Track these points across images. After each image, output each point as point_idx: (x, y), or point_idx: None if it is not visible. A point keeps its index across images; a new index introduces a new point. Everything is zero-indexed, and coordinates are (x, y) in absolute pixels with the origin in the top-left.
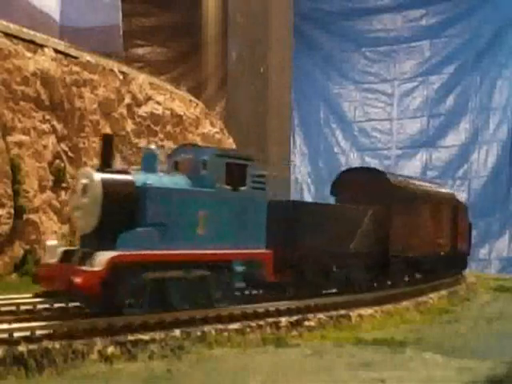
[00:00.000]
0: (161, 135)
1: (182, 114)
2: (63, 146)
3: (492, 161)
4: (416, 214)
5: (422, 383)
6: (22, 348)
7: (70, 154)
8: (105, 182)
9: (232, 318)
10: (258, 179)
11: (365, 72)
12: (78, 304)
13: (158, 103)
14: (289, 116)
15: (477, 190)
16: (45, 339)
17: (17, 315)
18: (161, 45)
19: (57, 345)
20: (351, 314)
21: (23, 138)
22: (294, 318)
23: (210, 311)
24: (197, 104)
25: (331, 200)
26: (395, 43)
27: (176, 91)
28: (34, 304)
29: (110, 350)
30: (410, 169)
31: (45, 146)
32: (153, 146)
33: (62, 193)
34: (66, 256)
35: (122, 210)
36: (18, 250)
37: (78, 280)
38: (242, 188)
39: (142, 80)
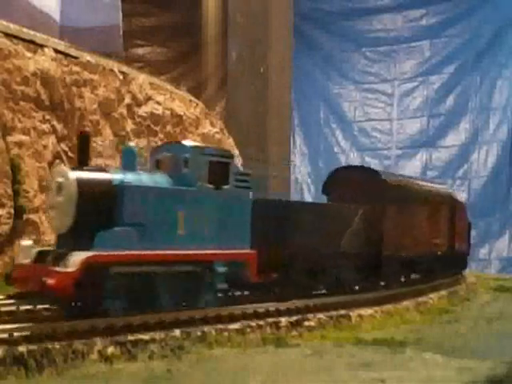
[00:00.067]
0: (161, 135)
1: (181, 113)
2: (63, 145)
3: (492, 161)
4: (410, 214)
5: (421, 383)
6: (21, 348)
7: (69, 154)
8: (80, 181)
9: (232, 318)
10: (241, 178)
11: (365, 72)
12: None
13: (158, 103)
14: (289, 116)
15: (477, 189)
16: (45, 339)
17: None
18: (161, 45)
19: (57, 345)
20: (351, 314)
21: (23, 137)
22: (294, 318)
23: (209, 311)
24: (197, 104)
25: (324, 199)
26: (395, 43)
27: (176, 91)
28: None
29: (110, 350)
30: (410, 169)
31: (45, 146)
32: (132, 144)
33: None
34: (41, 256)
35: (98, 210)
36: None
37: (50, 281)
38: (225, 187)
39: (142, 80)
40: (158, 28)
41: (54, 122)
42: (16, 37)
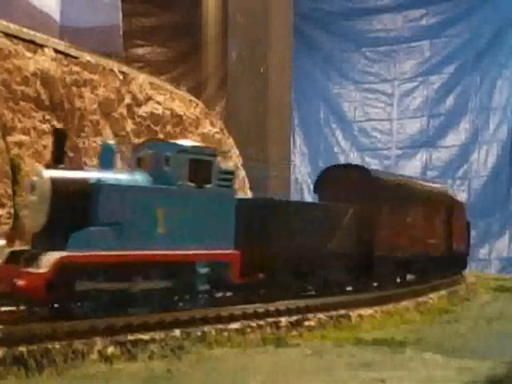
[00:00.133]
0: (161, 135)
1: (181, 113)
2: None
3: (492, 161)
4: (403, 213)
5: (421, 383)
6: (21, 348)
7: (69, 153)
8: (54, 180)
9: (232, 318)
10: (224, 176)
11: (365, 72)
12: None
13: (158, 103)
14: (289, 116)
15: (477, 189)
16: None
17: None
18: (161, 45)
19: (57, 345)
20: (351, 314)
21: (23, 137)
22: (294, 318)
23: (209, 311)
24: (197, 104)
25: (315, 198)
26: (395, 43)
27: (176, 91)
28: None
29: (110, 350)
30: (410, 169)
31: (45, 146)
32: (111, 141)
33: None
34: (13, 257)
35: (73, 209)
36: None
37: (21, 282)
38: (208, 185)
39: (142, 80)
40: (157, 28)
41: (54, 122)
42: (16, 37)
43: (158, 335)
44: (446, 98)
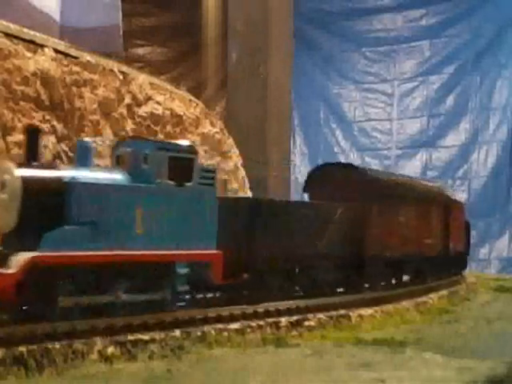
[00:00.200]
0: (161, 135)
1: (181, 114)
2: (63, 146)
3: (492, 161)
4: (397, 213)
5: (422, 383)
6: (21, 348)
7: (69, 153)
8: (25, 178)
9: (232, 318)
10: (206, 174)
11: (365, 72)
12: None
13: (158, 103)
14: (289, 116)
15: (477, 190)
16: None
17: None
18: (161, 45)
19: (57, 345)
20: (351, 314)
21: (23, 137)
22: (294, 318)
23: (209, 311)
24: (197, 104)
25: (306, 197)
26: (395, 43)
27: (176, 91)
28: None
29: (110, 350)
30: (410, 169)
31: (45, 146)
32: (87, 138)
33: None
34: None
35: (46, 208)
36: None
37: None
38: (188, 184)
39: (141, 80)
40: (158, 28)
41: (54, 122)
42: (16, 37)
43: (158, 335)
44: (446, 98)
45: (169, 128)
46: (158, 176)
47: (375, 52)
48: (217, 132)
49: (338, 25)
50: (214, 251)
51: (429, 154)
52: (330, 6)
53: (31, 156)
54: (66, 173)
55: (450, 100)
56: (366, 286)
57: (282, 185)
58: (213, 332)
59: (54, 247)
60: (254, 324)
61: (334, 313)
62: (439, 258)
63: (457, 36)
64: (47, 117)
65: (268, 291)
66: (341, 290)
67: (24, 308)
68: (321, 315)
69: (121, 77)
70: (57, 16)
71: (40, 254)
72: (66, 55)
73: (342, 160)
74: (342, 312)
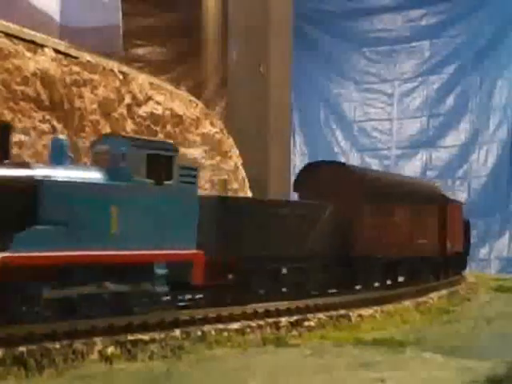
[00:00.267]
0: (161, 135)
1: (181, 114)
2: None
3: (492, 161)
4: (389, 213)
5: (421, 383)
6: (21, 348)
7: (70, 154)
8: None
9: (232, 318)
10: (186, 172)
11: (365, 72)
12: None
13: (158, 103)
14: (289, 116)
15: (477, 189)
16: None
17: None
18: (161, 45)
19: (57, 345)
20: (351, 314)
21: (23, 137)
22: (294, 318)
23: (209, 311)
24: (197, 104)
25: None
26: (395, 43)
27: (176, 91)
28: None
29: (110, 350)
30: (410, 169)
31: (45, 146)
32: (62, 136)
33: None
34: None
35: (17, 208)
36: None
37: None
38: (167, 182)
39: (141, 80)
40: (158, 28)
41: (54, 122)
42: (16, 37)
43: (158, 335)
44: (446, 98)
45: (169, 128)
46: (136, 174)
47: (375, 52)
48: (217, 132)
49: (338, 25)
50: (195, 251)
51: (429, 154)
52: (330, 5)
53: (2, 154)
54: (38, 171)
55: (450, 100)
56: (357, 287)
57: (282, 185)
58: (213, 332)
59: (25, 247)
60: (254, 324)
61: (333, 313)
62: (435, 258)
63: (457, 36)
64: (47, 117)
65: (253, 292)
66: (331, 291)
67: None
68: (321, 315)
69: (121, 77)
70: (57, 16)
71: (10, 254)
72: (66, 55)
73: (342, 160)
74: (342, 312)
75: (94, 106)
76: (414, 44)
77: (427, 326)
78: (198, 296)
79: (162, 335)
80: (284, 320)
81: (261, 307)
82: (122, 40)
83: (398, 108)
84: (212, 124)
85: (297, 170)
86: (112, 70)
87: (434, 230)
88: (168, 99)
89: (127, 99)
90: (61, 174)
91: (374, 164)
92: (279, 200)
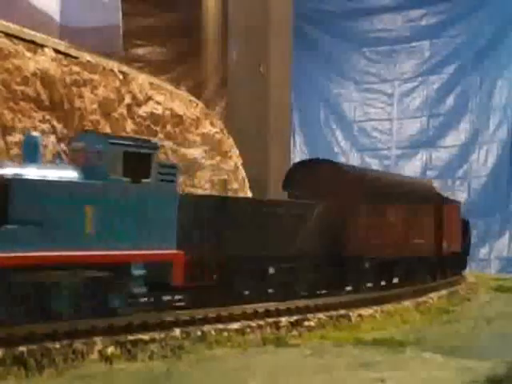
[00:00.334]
0: (161, 135)
1: (182, 114)
2: (63, 145)
3: (492, 161)
4: (382, 212)
5: (421, 383)
6: (21, 348)
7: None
8: None
9: (232, 318)
10: (166, 171)
11: (365, 72)
12: None
13: (158, 103)
14: (289, 116)
15: (477, 189)
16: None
17: None
18: (161, 45)
19: (57, 345)
20: (351, 314)
21: (23, 138)
22: (294, 318)
23: (209, 311)
24: (197, 104)
25: (285, 195)
26: (395, 43)
27: (176, 91)
28: None
29: (110, 350)
30: (410, 169)
31: (45, 146)
32: (35, 133)
33: None
34: None
35: None
36: None
37: None
38: (145, 180)
39: (141, 80)
40: (157, 28)
41: (54, 122)
42: (16, 37)
43: (158, 335)
44: (446, 98)
45: (169, 128)
46: (112, 172)
47: (375, 52)
48: (217, 132)
49: (338, 25)
50: (174, 251)
51: (429, 154)
52: (330, 5)
53: None
54: (9, 170)
55: (450, 100)
56: (348, 288)
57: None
58: (213, 332)
59: None
60: (254, 324)
61: (333, 313)
62: (431, 258)
63: (457, 36)
64: (47, 117)
65: (237, 294)
66: (321, 292)
67: None
68: (321, 315)
69: (121, 77)
70: (57, 16)
71: None
72: (66, 55)
73: (343, 160)
74: (342, 312)
75: (94, 105)
76: (413, 44)
77: (427, 326)
78: (177, 297)
79: (162, 335)
80: (284, 320)
81: (261, 307)
82: (122, 40)
83: (397, 108)
84: (212, 124)
85: None
86: (112, 70)
87: (430, 229)
88: (168, 99)
89: (127, 99)
90: (33, 172)
91: (374, 164)
92: (267, 199)
